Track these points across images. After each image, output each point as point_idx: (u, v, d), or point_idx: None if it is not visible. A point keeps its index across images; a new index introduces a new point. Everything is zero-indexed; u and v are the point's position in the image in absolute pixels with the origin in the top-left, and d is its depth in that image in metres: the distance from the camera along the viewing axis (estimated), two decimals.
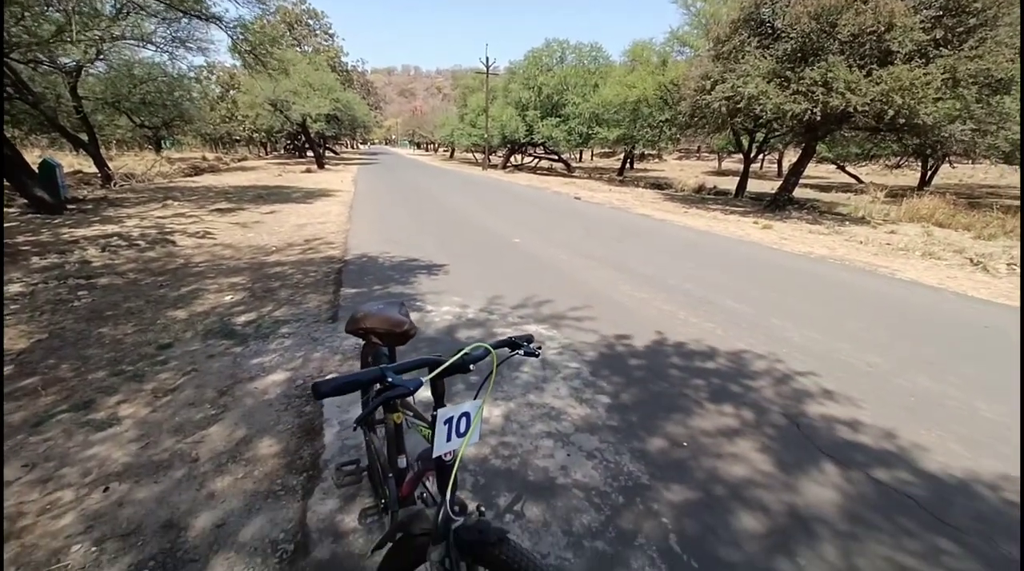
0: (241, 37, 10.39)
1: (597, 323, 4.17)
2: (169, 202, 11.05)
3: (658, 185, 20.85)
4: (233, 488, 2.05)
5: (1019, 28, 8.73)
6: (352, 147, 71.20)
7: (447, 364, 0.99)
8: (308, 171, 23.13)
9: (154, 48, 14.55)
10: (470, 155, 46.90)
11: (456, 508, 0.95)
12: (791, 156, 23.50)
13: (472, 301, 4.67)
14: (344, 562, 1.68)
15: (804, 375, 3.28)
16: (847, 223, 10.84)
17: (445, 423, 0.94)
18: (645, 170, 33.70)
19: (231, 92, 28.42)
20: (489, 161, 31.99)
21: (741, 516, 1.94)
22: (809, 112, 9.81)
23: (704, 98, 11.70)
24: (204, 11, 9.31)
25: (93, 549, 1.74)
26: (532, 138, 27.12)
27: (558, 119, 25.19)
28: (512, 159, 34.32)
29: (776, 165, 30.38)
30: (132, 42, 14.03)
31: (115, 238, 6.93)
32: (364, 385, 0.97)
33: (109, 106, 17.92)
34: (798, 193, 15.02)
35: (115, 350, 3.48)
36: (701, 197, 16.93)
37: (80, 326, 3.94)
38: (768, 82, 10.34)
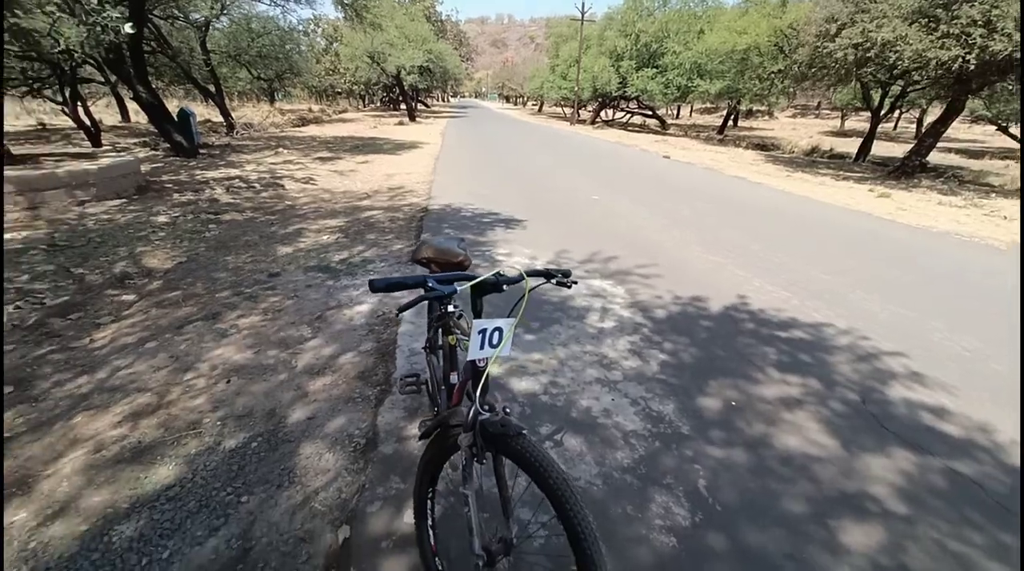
0: None
1: (665, 282, 4.11)
2: (280, 150, 12.20)
3: (763, 146, 19.00)
4: (322, 392, 2.44)
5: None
6: (443, 100, 72.14)
7: (481, 279, 1.15)
8: (400, 124, 24.02)
9: (268, 2, 15.62)
10: (559, 110, 45.58)
11: (486, 406, 1.12)
12: (936, 113, 20.07)
13: (541, 253, 4.79)
14: (403, 456, 1.98)
15: (891, 355, 3.04)
16: (994, 196, 9.25)
17: (480, 333, 1.09)
18: (750, 129, 30.67)
19: (334, 45, 29.82)
20: (578, 116, 30.92)
21: (782, 481, 1.96)
22: (961, 60, 8.29)
23: (826, 45, 10.29)
24: None
25: (218, 423, 2.20)
26: (625, 91, 25.66)
27: (655, 70, 23.49)
28: (602, 114, 32.87)
29: (915, 125, 26.09)
30: None
31: (237, 180, 7.89)
32: (409, 286, 1.16)
33: (232, 59, 19.73)
34: (939, 159, 12.95)
35: (236, 275, 4.10)
36: (811, 160, 15.23)
37: (210, 253, 4.66)
38: (910, 24, 8.82)
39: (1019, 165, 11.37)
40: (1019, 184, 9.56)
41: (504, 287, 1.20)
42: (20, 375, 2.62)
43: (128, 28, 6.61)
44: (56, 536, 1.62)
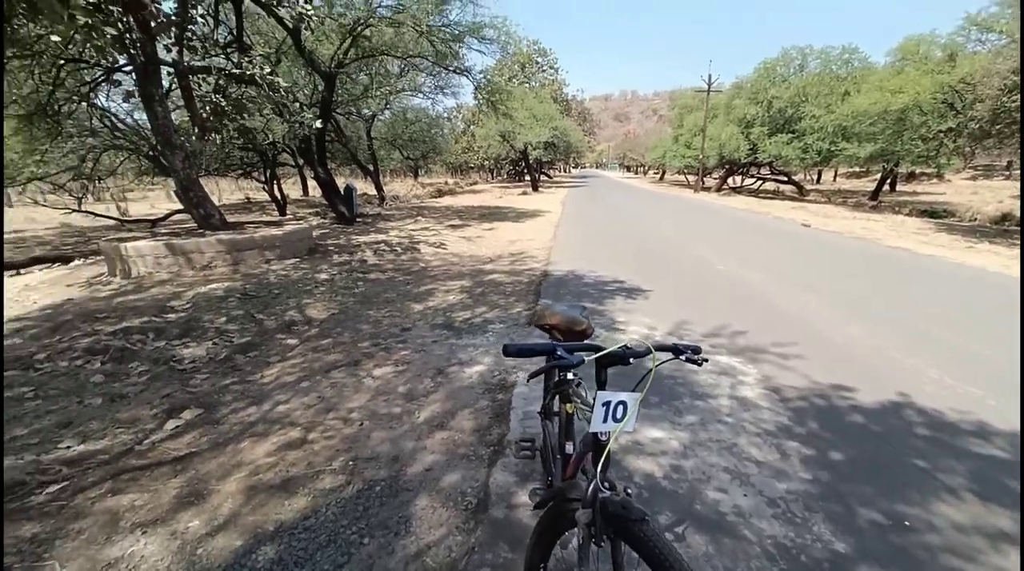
0: (483, 85, 12.41)
1: (807, 364, 3.63)
2: (419, 218, 13.79)
3: (931, 212, 16.44)
4: (440, 446, 2.55)
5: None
6: (564, 170, 75.90)
7: (608, 351, 1.15)
8: (524, 193, 25.70)
9: (422, 96, 18.45)
10: (681, 177, 44.99)
11: (606, 484, 1.08)
12: None
13: (662, 323, 4.59)
14: (513, 523, 1.95)
15: None
16: None
17: (603, 405, 1.08)
18: (913, 193, 26.87)
19: (471, 127, 33.72)
20: (702, 183, 30.17)
21: None
22: None
23: (1013, 99, 8.87)
24: (460, 67, 11.45)
25: (350, 463, 2.40)
26: (756, 157, 24.55)
27: (790, 135, 22.23)
28: (729, 181, 31.63)
29: None
30: (408, 93, 18.04)
31: (382, 244, 9.04)
32: (538, 353, 1.19)
33: (388, 143, 23.37)
34: None
35: (375, 327, 4.60)
36: (1002, 229, 12.72)
37: (357, 307, 5.32)
38: None
39: None
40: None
41: (631, 360, 1.19)
42: (209, 400, 3.18)
43: (318, 124, 8.26)
44: (217, 547, 1.87)
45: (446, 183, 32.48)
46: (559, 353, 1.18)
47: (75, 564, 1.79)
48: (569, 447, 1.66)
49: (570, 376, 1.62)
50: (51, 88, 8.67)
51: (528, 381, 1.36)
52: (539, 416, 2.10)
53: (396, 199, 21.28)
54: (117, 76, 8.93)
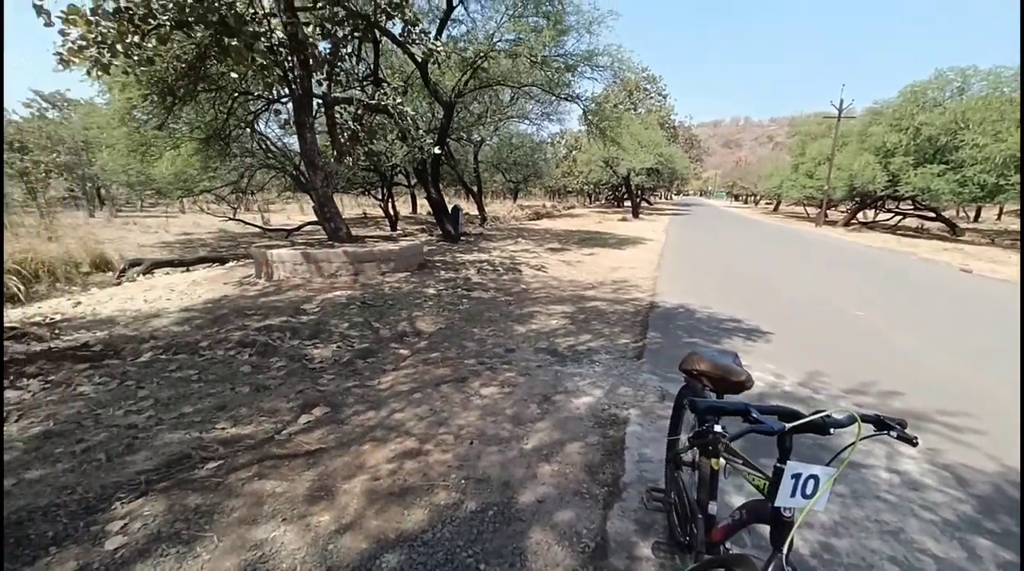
0: (592, 110, 12.49)
1: (989, 444, 3.00)
2: (519, 240, 14.09)
3: None
4: (550, 478, 2.48)
5: None
6: (666, 197, 73.45)
7: (807, 419, 1.01)
8: (624, 219, 25.21)
9: (528, 122, 19.05)
10: (799, 209, 41.18)
11: (791, 568, 0.94)
12: None
13: (789, 371, 4.12)
14: None
15: None
16: None
17: (792, 478, 0.95)
18: None
19: (573, 152, 34.09)
20: (825, 216, 27.30)
21: None
22: None
23: None
24: (570, 93, 11.65)
25: (462, 482, 2.42)
26: (896, 190, 21.71)
27: (942, 166, 19.36)
28: (859, 215, 28.29)
29: None
30: (516, 119, 18.74)
31: (485, 264, 9.33)
32: (729, 413, 1.08)
33: (493, 166, 24.44)
34: None
35: (480, 346, 4.70)
36: None
37: (462, 324, 5.49)
38: None
39: None
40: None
41: (831, 431, 1.03)
42: (335, 400, 3.43)
43: (436, 150, 8.86)
44: (345, 546, 1.96)
45: (544, 206, 33.01)
46: (754, 415, 1.06)
47: (228, 540, 1.99)
48: (712, 507, 1.50)
49: (718, 428, 1.47)
50: (225, 116, 10.31)
51: (691, 445, 1.23)
52: (668, 465, 1.95)
53: (496, 220, 22.03)
54: (277, 106, 10.40)
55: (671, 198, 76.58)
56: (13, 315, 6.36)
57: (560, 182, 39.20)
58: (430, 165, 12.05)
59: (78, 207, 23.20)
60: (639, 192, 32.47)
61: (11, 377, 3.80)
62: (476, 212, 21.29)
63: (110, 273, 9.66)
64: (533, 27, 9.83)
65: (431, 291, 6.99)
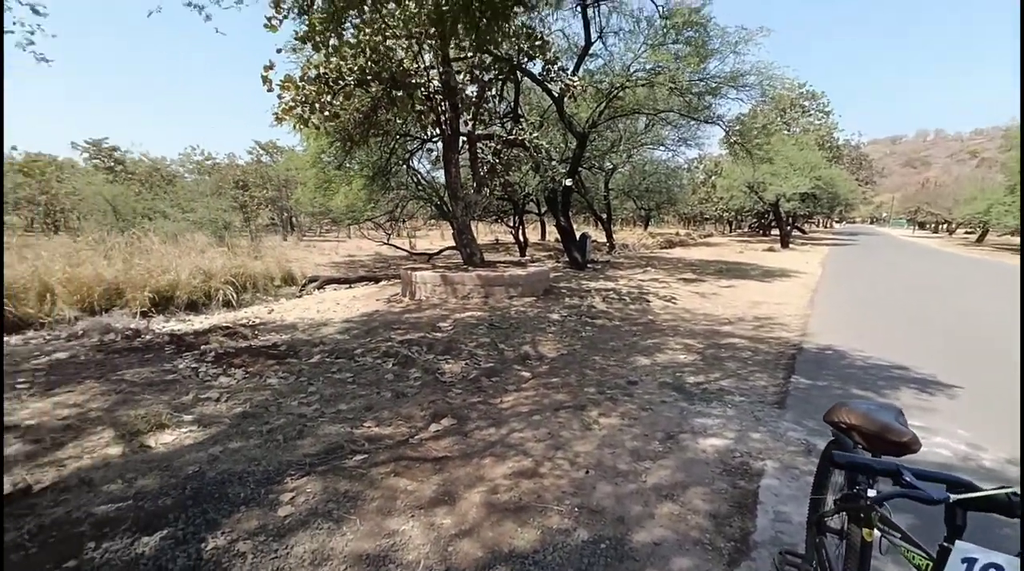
0: (736, 133, 11.71)
1: None
2: (648, 269, 13.62)
3: None
4: (668, 520, 2.34)
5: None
6: (825, 225, 64.64)
7: (986, 493, 0.84)
8: (770, 249, 22.80)
9: (663, 148, 18.53)
10: (1015, 240, 32.78)
11: None
12: None
13: (988, 442, 3.30)
14: None
15: None
16: None
17: (964, 562, 0.80)
18: None
19: (712, 178, 32.09)
20: None
21: None
22: None
23: None
24: (710, 116, 11.12)
25: (575, 509, 2.42)
26: None
27: None
28: None
29: None
30: (650, 145, 18.38)
31: (611, 292, 9.21)
32: (876, 472, 0.96)
33: (624, 193, 24.13)
34: None
35: (601, 375, 4.64)
36: None
37: (584, 351, 5.49)
38: None
39: None
40: None
41: (1017, 513, 0.84)
42: (461, 413, 3.69)
43: (567, 182, 9.12)
44: (463, 550, 2.10)
45: (677, 234, 31.45)
46: (906, 479, 0.91)
47: (368, 525, 2.27)
48: None
49: (872, 492, 1.28)
50: (388, 156, 11.94)
51: (838, 509, 1.10)
52: (810, 528, 1.72)
53: (625, 248, 21.61)
54: (429, 145, 11.77)
55: (831, 226, 67.06)
56: (228, 317, 8.06)
57: (696, 209, 37.06)
58: (561, 194, 12.41)
59: (275, 232, 28.63)
60: (790, 219, 29.11)
61: (224, 366, 4.83)
62: (604, 239, 21.17)
63: (294, 287, 11.70)
64: (674, 54, 9.68)
65: (555, 316, 7.12)
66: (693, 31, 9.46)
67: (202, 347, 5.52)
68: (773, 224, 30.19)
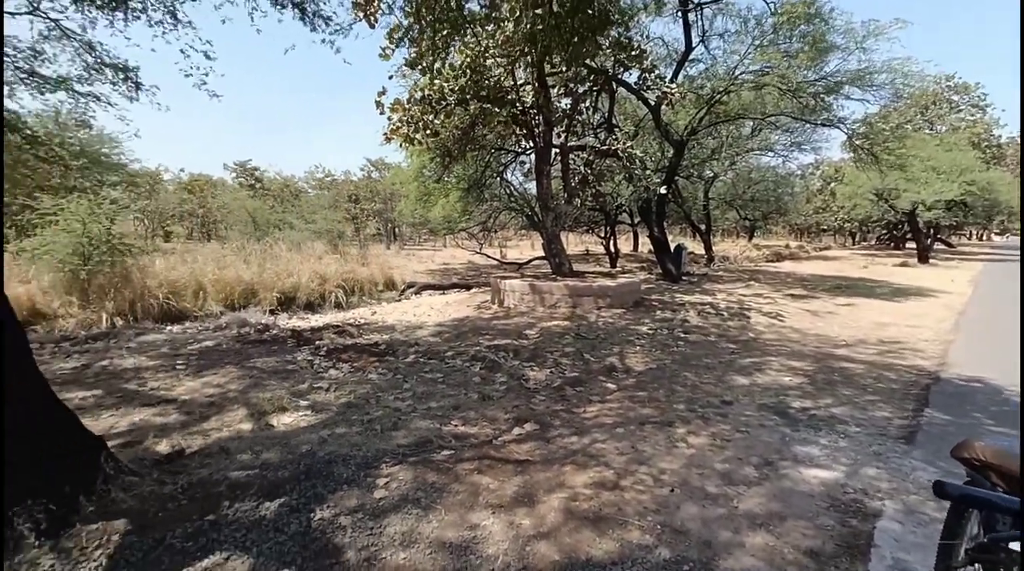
0: (861, 135, 10.48)
1: None
2: (751, 283, 12.62)
3: None
4: (761, 552, 2.17)
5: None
6: (980, 237, 54.95)
7: None
8: (903, 265, 19.90)
9: (772, 154, 17.12)
10: None
11: None
12: None
13: None
14: None
15: None
16: None
17: None
18: None
19: (831, 185, 28.89)
20: None
21: None
22: None
23: None
24: (830, 119, 10.09)
25: (657, 527, 2.33)
26: None
27: None
28: None
29: None
30: (757, 152, 17.09)
31: (708, 306, 8.69)
32: (999, 508, 0.85)
33: (725, 203, 22.65)
34: None
35: (692, 392, 4.41)
36: None
37: (674, 367, 5.25)
38: None
39: None
40: None
41: None
42: (544, 420, 3.73)
43: (662, 191, 8.82)
44: (540, 552, 2.13)
45: (787, 246, 28.70)
46: None
47: (452, 516, 2.39)
48: None
49: (1015, 546, 1.10)
50: (483, 169, 12.47)
51: (970, 560, 0.96)
52: None
53: (725, 260, 20.23)
54: (522, 158, 12.10)
55: (989, 238, 56.75)
56: (338, 317, 8.92)
57: (810, 219, 33.58)
58: (655, 203, 12.02)
59: (380, 241, 31.13)
60: (931, 230, 25.18)
61: (334, 360, 5.37)
62: (703, 251, 20.01)
63: (394, 292, 12.63)
64: (784, 53, 8.96)
65: (644, 329, 6.90)
66: (809, 26, 8.67)
67: (316, 342, 6.19)
68: (909, 236, 26.34)
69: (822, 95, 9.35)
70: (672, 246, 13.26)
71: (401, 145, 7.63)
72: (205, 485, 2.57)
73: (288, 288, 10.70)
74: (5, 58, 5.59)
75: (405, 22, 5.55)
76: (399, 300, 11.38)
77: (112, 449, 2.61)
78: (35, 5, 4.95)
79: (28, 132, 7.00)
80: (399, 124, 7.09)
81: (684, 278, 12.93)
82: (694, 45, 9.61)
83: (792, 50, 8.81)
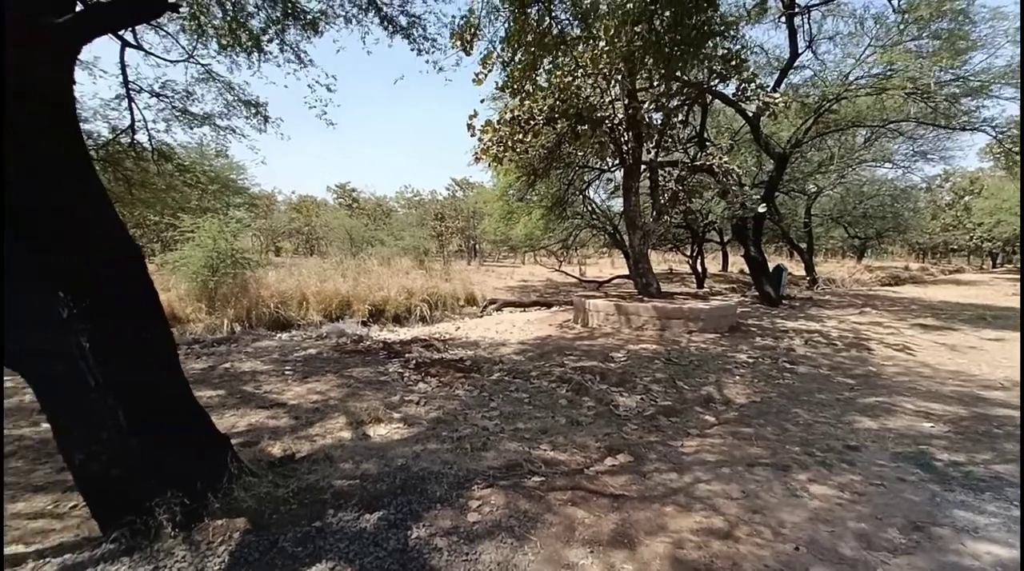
0: (1011, 139, 9.01)
1: None
2: (866, 310, 11.23)
3: None
4: None
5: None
6: None
7: None
8: None
9: (891, 165, 15.31)
10: None
11: None
12: None
13: None
14: None
15: None
16: None
17: None
18: None
19: (965, 198, 25.21)
20: None
21: None
22: None
23: None
24: (971, 121, 8.80)
25: None
26: None
27: None
28: None
29: None
30: (872, 163, 15.39)
31: (816, 335, 7.83)
32: None
33: (831, 220, 20.58)
34: None
35: (807, 432, 3.93)
36: None
37: (782, 401, 4.74)
38: None
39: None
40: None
41: None
42: (637, 451, 3.51)
43: (761, 209, 8.18)
44: None
45: (906, 268, 25.38)
46: None
47: (547, 551, 2.28)
48: None
49: None
50: (567, 187, 12.44)
51: None
52: None
53: (831, 283, 18.29)
54: (607, 175, 11.91)
55: None
56: (424, 331, 9.24)
57: (937, 237, 29.48)
58: (752, 221, 11.20)
59: (461, 258, 32.20)
60: None
61: (422, 374, 5.52)
62: (802, 272, 18.29)
63: (475, 307, 12.90)
64: (914, 51, 7.98)
65: (743, 357, 6.35)
66: (947, 21, 7.64)
67: (406, 355, 6.43)
68: None
69: (962, 97, 8.16)
70: (771, 266, 12.23)
71: (489, 165, 7.83)
72: (312, 491, 2.69)
73: (378, 301, 11.35)
74: (164, 98, 6.61)
75: (499, 47, 5.71)
76: (481, 316, 11.58)
77: (234, 448, 2.83)
78: (189, 54, 5.79)
79: (179, 162, 8.16)
80: (489, 145, 7.29)
81: (784, 302, 11.84)
82: (800, 51, 8.91)
83: (923, 48, 7.82)
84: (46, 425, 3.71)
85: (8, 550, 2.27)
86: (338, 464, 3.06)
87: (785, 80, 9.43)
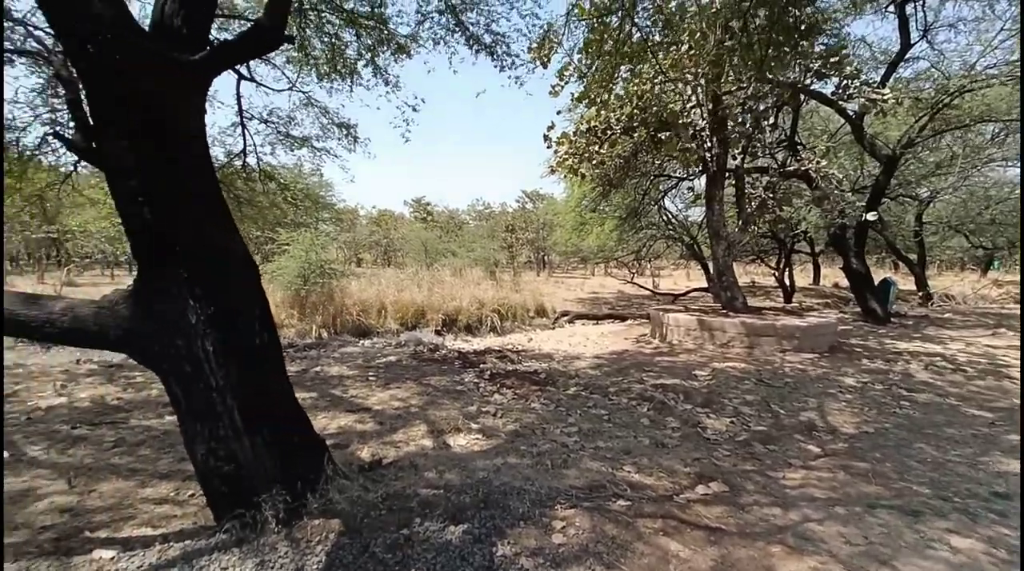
0: None
1: None
2: (1000, 329, 9.71)
3: None
4: None
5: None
6: None
7: None
8: None
9: None
10: None
11: None
12: None
13: None
14: None
15: None
16: None
17: None
18: None
19: None
20: None
21: None
22: None
23: None
24: None
25: None
26: None
27: None
28: None
29: None
30: (1003, 163, 13.45)
31: (938, 358, 6.88)
32: None
33: (948, 228, 18.16)
34: None
35: (938, 472, 3.41)
36: None
37: (901, 434, 4.18)
38: None
39: None
40: None
41: None
42: (732, 480, 3.23)
43: (870, 217, 7.39)
44: None
45: None
46: None
47: None
48: None
49: None
50: (642, 196, 12.07)
51: None
52: None
53: (950, 299, 16.07)
54: (685, 183, 11.40)
55: None
56: (496, 341, 9.32)
57: None
58: (855, 230, 10.16)
59: (531, 269, 32.33)
60: None
61: (497, 385, 5.53)
62: (913, 287, 16.26)
63: (546, 319, 12.82)
64: None
65: (849, 381, 5.72)
66: None
67: (480, 366, 6.49)
68: None
69: None
70: (877, 280, 11.00)
71: (565, 176, 7.79)
72: (400, 498, 2.74)
73: (451, 310, 11.64)
74: (271, 123, 7.32)
75: (576, 58, 5.67)
76: (552, 328, 11.48)
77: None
78: (292, 83, 6.36)
79: (281, 181, 8.98)
80: (565, 156, 7.25)
81: (894, 320, 10.57)
82: (913, 41, 8.00)
83: None
84: (169, 418, 4.17)
85: (139, 531, 2.52)
86: (422, 472, 3.10)
87: (894, 74, 8.51)
